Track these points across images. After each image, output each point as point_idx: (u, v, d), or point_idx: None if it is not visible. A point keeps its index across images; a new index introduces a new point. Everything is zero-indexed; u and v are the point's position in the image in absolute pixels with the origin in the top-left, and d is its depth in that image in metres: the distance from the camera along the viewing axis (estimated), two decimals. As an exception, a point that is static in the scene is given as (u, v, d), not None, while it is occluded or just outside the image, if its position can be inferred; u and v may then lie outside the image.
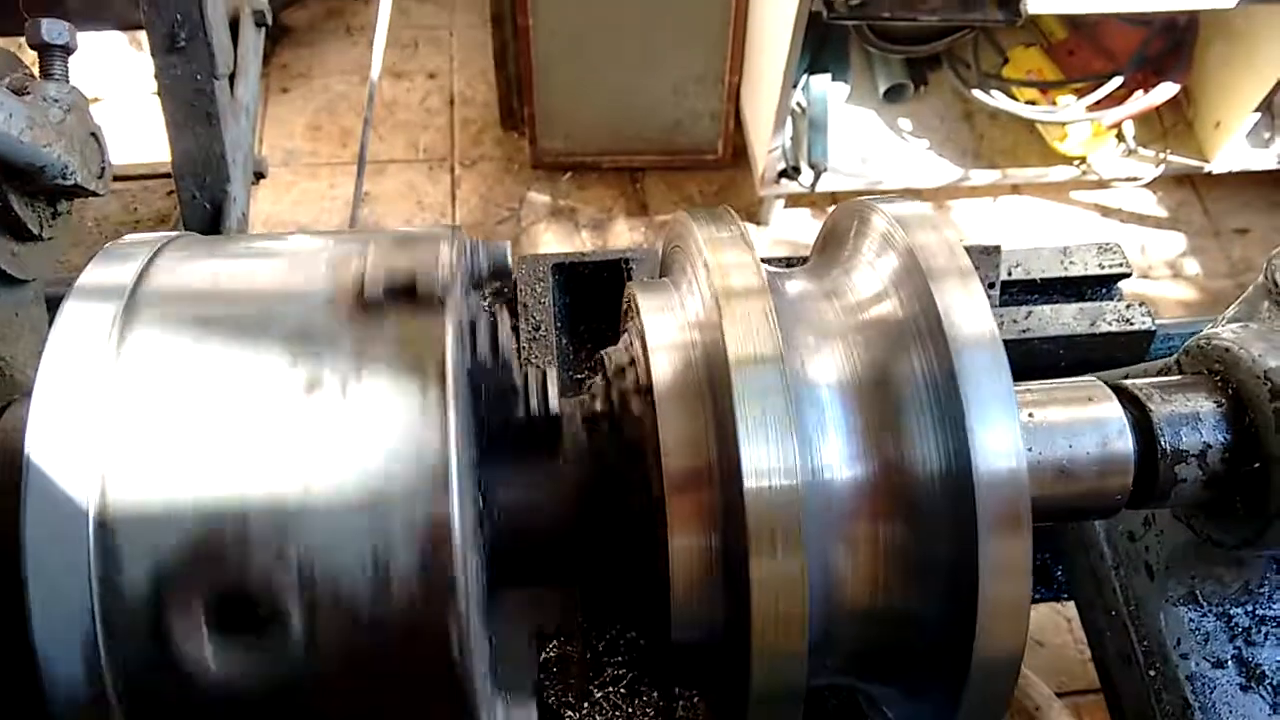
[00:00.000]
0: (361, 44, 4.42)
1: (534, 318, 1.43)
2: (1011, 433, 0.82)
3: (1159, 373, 1.13)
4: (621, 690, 1.17)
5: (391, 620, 0.72)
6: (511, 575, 0.87)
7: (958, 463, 0.82)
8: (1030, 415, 0.95)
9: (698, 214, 0.94)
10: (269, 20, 2.22)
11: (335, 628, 0.72)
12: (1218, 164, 4.26)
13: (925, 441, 0.84)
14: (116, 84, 3.93)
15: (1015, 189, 4.39)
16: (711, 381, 0.85)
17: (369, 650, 0.73)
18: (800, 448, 0.80)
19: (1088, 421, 0.96)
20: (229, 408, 0.73)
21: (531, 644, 0.96)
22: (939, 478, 0.83)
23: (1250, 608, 1.24)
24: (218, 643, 0.71)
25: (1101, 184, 4.38)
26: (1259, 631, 1.23)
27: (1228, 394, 1.00)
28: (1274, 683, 1.20)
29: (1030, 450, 0.94)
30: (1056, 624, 3.50)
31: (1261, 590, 1.25)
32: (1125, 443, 0.96)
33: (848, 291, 0.94)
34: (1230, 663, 1.21)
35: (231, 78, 2.01)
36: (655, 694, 1.11)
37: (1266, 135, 4.35)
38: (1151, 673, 1.23)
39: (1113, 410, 0.97)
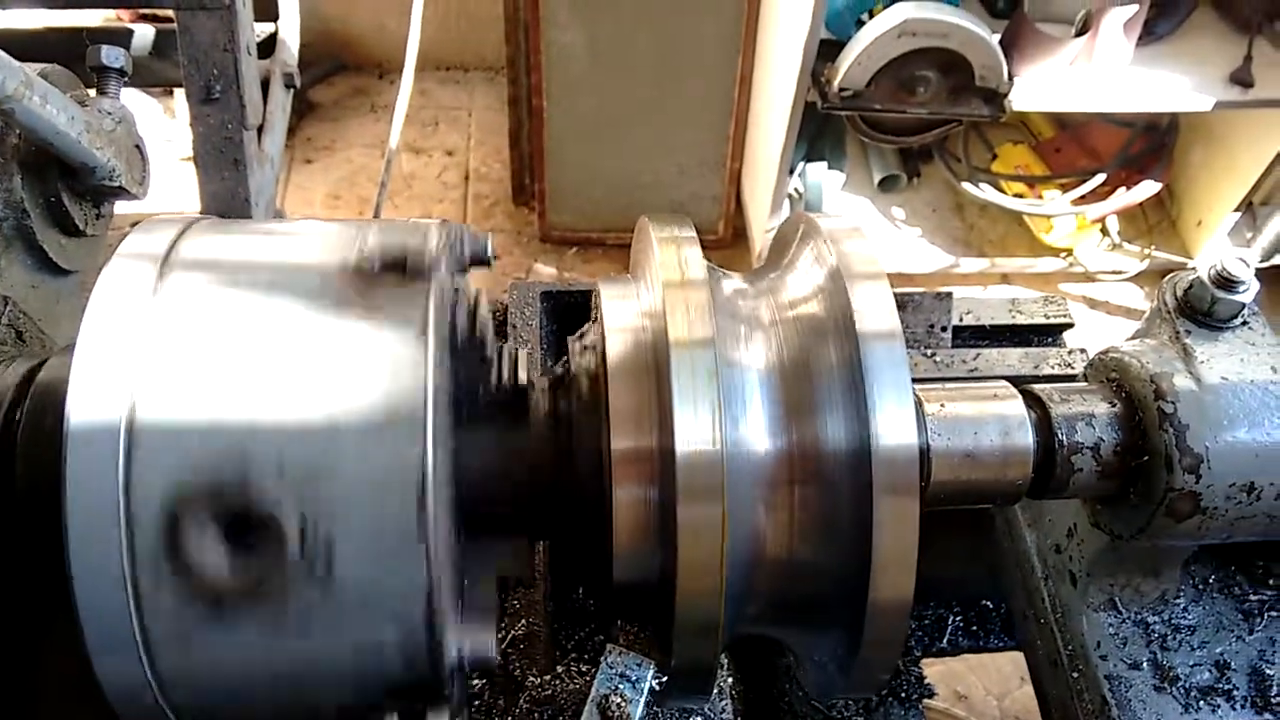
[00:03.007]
0: (384, 121, 4.67)
1: (522, 338, 1.57)
2: (905, 415, 0.95)
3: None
4: (583, 667, 1.28)
5: (371, 538, 0.84)
6: (479, 525, 1.00)
7: (860, 438, 0.95)
8: (941, 406, 1.08)
9: (656, 217, 1.09)
10: (297, 83, 2.42)
11: (323, 540, 0.84)
12: (1201, 261, 4.42)
13: (834, 419, 0.98)
14: (150, 148, 4.17)
15: (1005, 278, 4.55)
16: (655, 360, 0.99)
17: (351, 564, 0.85)
18: (726, 419, 0.93)
19: (992, 415, 1.09)
20: (244, 350, 0.87)
21: (496, 590, 1.08)
22: (844, 450, 0.96)
23: (1166, 616, 1.34)
24: (222, 547, 0.83)
25: (1088, 276, 4.54)
26: (1174, 639, 1.33)
27: (1122, 397, 1.13)
28: (1185, 685, 1.29)
29: (940, 436, 1.07)
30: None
31: (1178, 601, 1.35)
32: (1025, 435, 1.08)
33: (781, 290, 1.08)
34: (1145, 665, 1.30)
35: (260, 130, 2.19)
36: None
37: (1248, 235, 4.52)
38: (1075, 674, 1.33)
39: (1016, 407, 1.10)
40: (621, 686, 0.95)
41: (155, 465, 0.83)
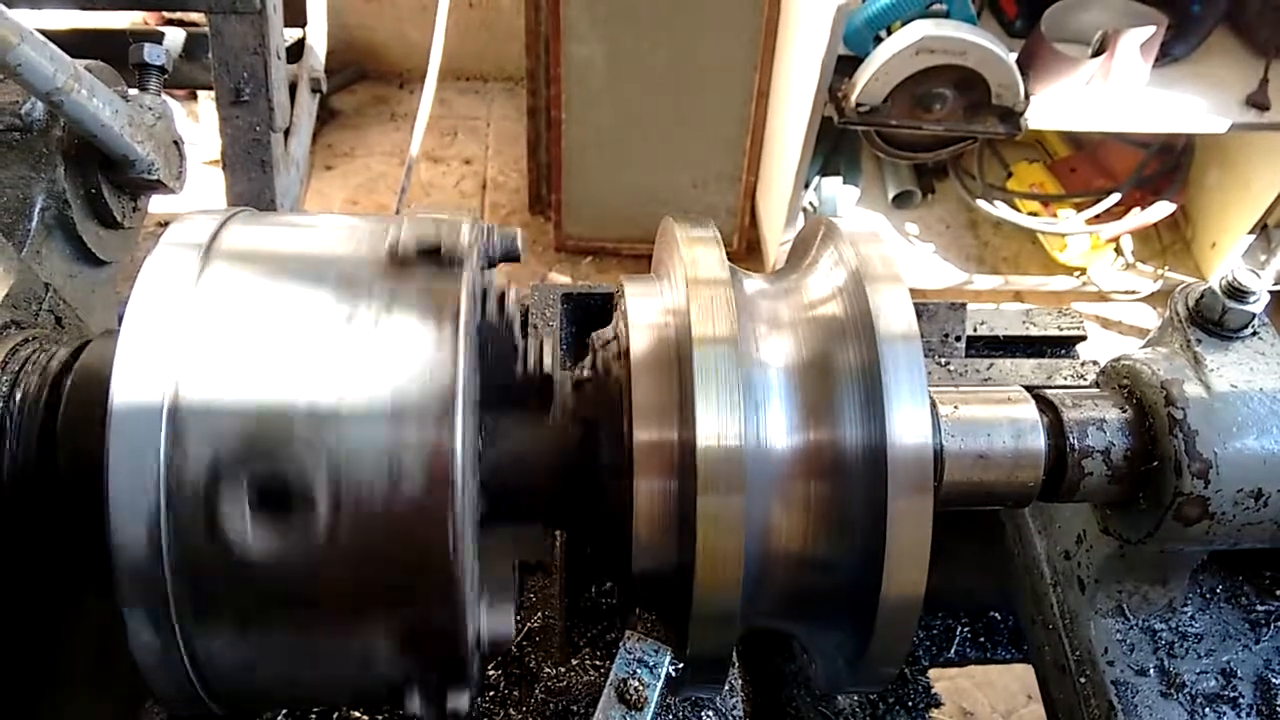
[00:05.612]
0: (404, 129, 4.72)
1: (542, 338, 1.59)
2: (920, 415, 0.97)
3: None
4: (598, 661, 1.30)
5: (399, 516, 0.87)
6: (502, 512, 1.02)
7: (876, 437, 0.97)
8: (956, 408, 1.11)
9: (680, 217, 1.11)
10: (323, 87, 2.46)
11: (352, 517, 0.87)
12: (1215, 283, 4.43)
13: (851, 418, 1.00)
14: (174, 153, 4.22)
15: (1018, 296, 4.56)
16: (679, 356, 1.01)
17: (379, 541, 0.88)
18: (745, 414, 0.96)
19: (1005, 419, 1.11)
20: (283, 332, 0.90)
21: (515, 573, 1.10)
22: (860, 448, 0.99)
23: (1173, 624, 1.36)
24: (256, 520, 0.86)
25: (1102, 296, 4.54)
26: (1180, 646, 1.34)
27: (1133, 403, 1.16)
28: (1191, 692, 1.31)
29: (954, 438, 1.09)
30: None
31: (1185, 610, 1.37)
32: (1037, 438, 1.10)
33: (801, 290, 1.10)
34: (1152, 671, 1.32)
35: (286, 133, 2.23)
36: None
37: (1262, 258, 4.52)
38: (1081, 680, 1.35)
39: (1028, 411, 1.12)
40: (639, 671, 0.97)
41: (196, 444, 0.85)
